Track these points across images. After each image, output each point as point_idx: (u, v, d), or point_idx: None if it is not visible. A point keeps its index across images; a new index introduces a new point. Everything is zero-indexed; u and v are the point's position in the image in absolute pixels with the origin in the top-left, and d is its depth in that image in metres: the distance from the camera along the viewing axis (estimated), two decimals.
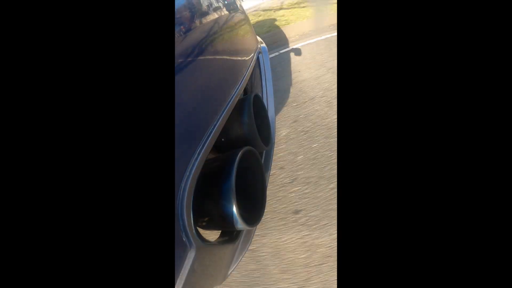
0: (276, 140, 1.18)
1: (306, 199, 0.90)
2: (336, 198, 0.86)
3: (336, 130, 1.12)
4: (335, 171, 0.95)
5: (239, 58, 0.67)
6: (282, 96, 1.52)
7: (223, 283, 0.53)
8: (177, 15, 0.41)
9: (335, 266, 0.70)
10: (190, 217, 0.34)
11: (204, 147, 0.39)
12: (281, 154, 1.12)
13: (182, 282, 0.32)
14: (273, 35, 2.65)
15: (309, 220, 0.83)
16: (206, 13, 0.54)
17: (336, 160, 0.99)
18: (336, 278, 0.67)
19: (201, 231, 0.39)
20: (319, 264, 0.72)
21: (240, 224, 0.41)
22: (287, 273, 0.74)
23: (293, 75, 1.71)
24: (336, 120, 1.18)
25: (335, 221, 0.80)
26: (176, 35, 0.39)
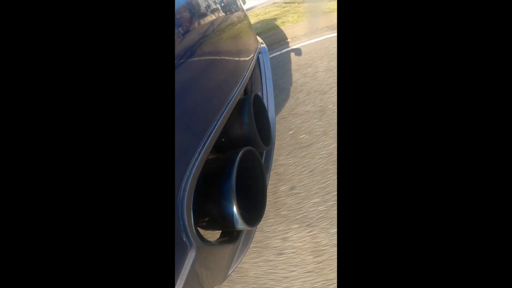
0: None
1: None
2: None
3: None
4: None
5: (239, 58, 0.67)
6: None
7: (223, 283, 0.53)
8: (177, 16, 0.41)
9: None
10: (191, 217, 0.34)
11: (205, 147, 0.39)
12: None
13: (182, 282, 0.32)
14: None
15: None
16: (206, 14, 0.54)
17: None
18: None
19: (201, 231, 0.39)
20: None
21: (240, 224, 0.41)
22: None
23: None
24: None
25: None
26: (176, 35, 0.39)
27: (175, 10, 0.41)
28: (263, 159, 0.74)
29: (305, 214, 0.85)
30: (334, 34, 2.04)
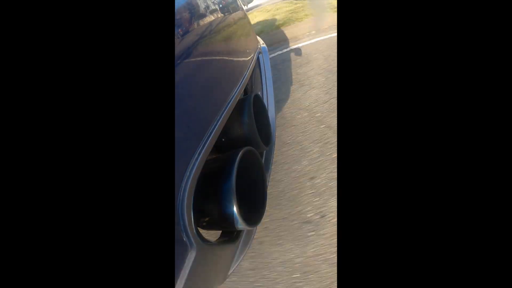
0: None
1: None
2: None
3: None
4: None
5: (240, 59, 0.67)
6: None
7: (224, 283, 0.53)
8: (177, 16, 0.41)
9: None
10: (191, 217, 0.34)
11: (205, 147, 0.39)
12: None
13: (183, 282, 0.32)
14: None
15: None
16: (206, 14, 0.54)
17: None
18: None
19: (201, 231, 0.39)
20: None
21: (240, 224, 0.41)
22: None
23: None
24: None
25: None
26: (177, 35, 0.39)
27: (175, 10, 0.41)
28: (263, 159, 0.74)
29: None
30: None
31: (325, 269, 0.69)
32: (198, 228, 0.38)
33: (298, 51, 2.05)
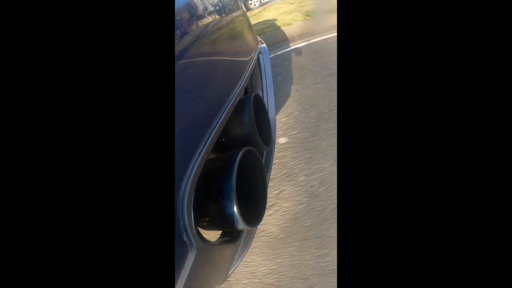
0: None
1: None
2: None
3: None
4: None
5: (240, 58, 0.67)
6: None
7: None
8: (177, 16, 0.41)
9: None
10: (191, 217, 0.34)
11: (205, 147, 0.39)
12: None
13: (183, 282, 0.32)
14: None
15: None
16: (206, 14, 0.54)
17: None
18: None
19: (201, 231, 0.39)
20: None
21: (240, 224, 0.41)
22: None
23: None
24: None
25: None
26: (177, 35, 0.39)
27: (176, 11, 0.41)
28: (263, 159, 0.73)
29: None
30: None
31: None
32: (198, 228, 0.38)
33: None
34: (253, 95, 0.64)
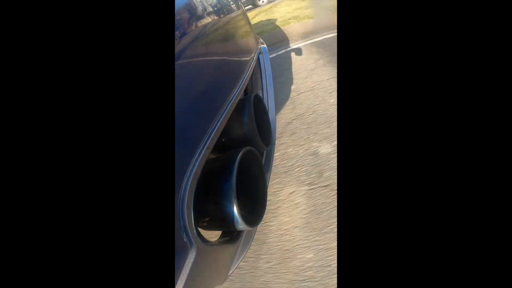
0: None
1: None
2: None
3: None
4: None
5: (240, 59, 0.67)
6: None
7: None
8: (177, 17, 0.41)
9: None
10: (191, 217, 0.34)
11: (205, 148, 0.39)
12: None
13: (183, 282, 0.32)
14: None
15: None
16: (206, 14, 0.54)
17: None
18: None
19: (201, 231, 0.39)
20: None
21: (240, 225, 0.41)
22: None
23: None
24: None
25: None
26: (177, 36, 0.39)
27: (175, 11, 0.41)
28: (263, 159, 0.73)
29: None
30: None
31: None
32: (198, 228, 0.38)
33: None
34: (253, 95, 0.65)
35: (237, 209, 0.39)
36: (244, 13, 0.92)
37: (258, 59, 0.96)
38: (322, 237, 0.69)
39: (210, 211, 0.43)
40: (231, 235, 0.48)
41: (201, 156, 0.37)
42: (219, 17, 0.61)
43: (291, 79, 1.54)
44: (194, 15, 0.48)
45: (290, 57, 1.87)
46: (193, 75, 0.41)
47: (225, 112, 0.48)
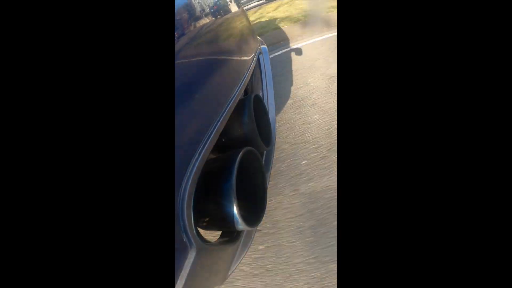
0: None
1: None
2: None
3: None
4: None
5: (240, 59, 0.67)
6: None
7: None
8: (177, 17, 0.41)
9: None
10: (191, 217, 0.34)
11: (205, 148, 0.39)
12: None
13: (183, 282, 0.32)
14: None
15: None
16: (206, 15, 0.54)
17: None
18: None
19: (201, 231, 0.39)
20: None
21: (240, 225, 0.41)
22: None
23: None
24: None
25: None
26: (177, 36, 0.39)
27: (175, 11, 0.41)
28: (263, 159, 0.73)
29: None
30: None
31: None
32: (198, 228, 0.38)
33: None
34: (253, 95, 0.65)
35: (237, 209, 0.39)
36: (244, 13, 0.92)
37: (258, 59, 0.96)
38: None
39: (210, 211, 0.43)
40: (231, 235, 0.48)
41: (201, 156, 0.37)
42: (219, 17, 0.61)
43: None
44: (194, 15, 0.48)
45: None
46: (193, 75, 0.41)
47: (225, 112, 0.48)
